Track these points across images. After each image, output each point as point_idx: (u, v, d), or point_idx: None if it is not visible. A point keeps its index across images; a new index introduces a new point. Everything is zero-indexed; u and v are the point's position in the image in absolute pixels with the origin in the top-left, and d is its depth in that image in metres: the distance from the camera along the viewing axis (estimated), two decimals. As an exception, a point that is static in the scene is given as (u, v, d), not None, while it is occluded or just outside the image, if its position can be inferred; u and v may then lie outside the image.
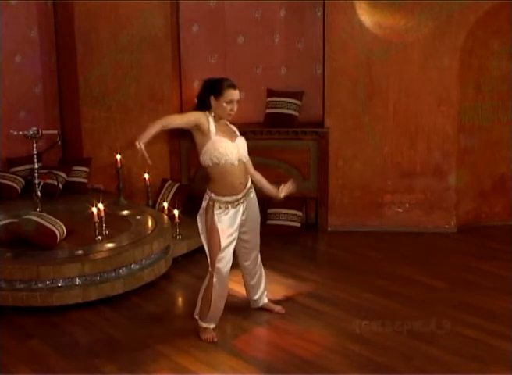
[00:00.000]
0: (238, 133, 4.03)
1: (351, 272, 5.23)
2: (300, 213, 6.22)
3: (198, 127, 3.80)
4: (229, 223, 3.95)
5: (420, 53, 5.98)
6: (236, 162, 3.89)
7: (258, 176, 4.18)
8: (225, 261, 3.98)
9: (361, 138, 6.19)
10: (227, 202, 3.92)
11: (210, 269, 4.00)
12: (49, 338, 4.16)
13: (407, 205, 6.24)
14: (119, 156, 6.06)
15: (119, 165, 6.07)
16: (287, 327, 4.25)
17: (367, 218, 6.30)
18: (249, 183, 4.07)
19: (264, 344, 4.09)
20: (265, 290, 4.48)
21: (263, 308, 4.47)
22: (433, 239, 6.04)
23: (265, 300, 4.48)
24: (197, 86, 6.65)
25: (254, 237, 4.24)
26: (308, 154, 6.23)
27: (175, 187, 6.17)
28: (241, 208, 3.99)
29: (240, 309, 4.44)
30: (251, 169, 4.12)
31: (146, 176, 6.10)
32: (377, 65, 6.05)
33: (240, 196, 3.97)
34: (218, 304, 4.05)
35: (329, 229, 6.33)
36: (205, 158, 3.85)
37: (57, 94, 6.90)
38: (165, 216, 5.57)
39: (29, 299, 4.47)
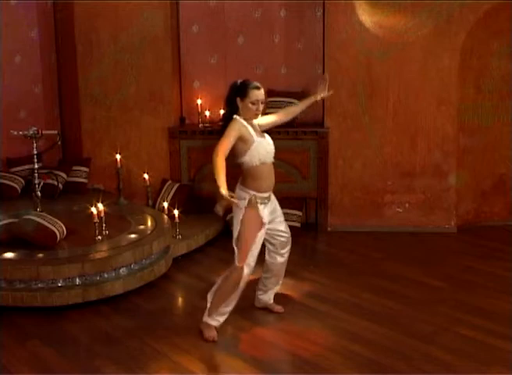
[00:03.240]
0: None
1: (351, 272, 5.23)
2: (300, 213, 6.22)
3: (242, 137, 3.90)
4: (267, 219, 4.08)
5: (420, 53, 5.98)
6: (273, 160, 4.06)
7: (288, 109, 4.53)
8: (255, 256, 4.05)
9: (361, 138, 6.19)
10: (264, 198, 4.03)
11: (237, 263, 4.00)
12: (49, 338, 4.15)
13: (407, 205, 6.24)
14: (118, 156, 6.07)
15: (119, 165, 6.08)
16: (287, 327, 4.25)
17: (367, 218, 6.30)
18: None
19: (264, 344, 4.08)
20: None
21: (263, 308, 4.47)
22: (433, 239, 6.03)
23: (271, 300, 4.50)
24: (197, 86, 6.68)
25: (287, 226, 4.39)
26: (308, 154, 6.23)
27: (175, 187, 6.17)
28: (269, 205, 4.11)
29: (240, 309, 4.43)
30: (281, 115, 4.30)
31: (146, 176, 6.10)
32: (377, 65, 6.05)
33: (270, 193, 4.10)
34: (235, 298, 4.07)
35: (329, 229, 6.33)
36: (253, 160, 3.93)
37: (57, 94, 6.89)
38: (165, 216, 5.56)
39: (29, 299, 4.46)
